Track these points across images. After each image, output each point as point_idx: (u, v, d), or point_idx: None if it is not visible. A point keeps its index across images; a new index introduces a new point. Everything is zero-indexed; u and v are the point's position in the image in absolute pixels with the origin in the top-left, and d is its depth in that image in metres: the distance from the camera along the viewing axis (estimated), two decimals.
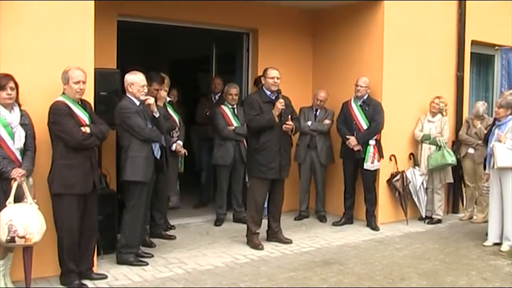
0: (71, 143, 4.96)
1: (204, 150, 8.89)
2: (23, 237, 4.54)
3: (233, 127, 7.67)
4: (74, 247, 5.11)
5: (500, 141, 6.67)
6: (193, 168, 8.90)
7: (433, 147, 7.96)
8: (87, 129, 5.07)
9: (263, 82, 6.65)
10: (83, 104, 5.20)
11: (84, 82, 5.08)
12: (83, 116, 5.13)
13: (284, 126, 6.53)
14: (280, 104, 6.46)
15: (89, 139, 5.06)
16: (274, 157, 6.50)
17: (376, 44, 7.94)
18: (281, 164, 6.57)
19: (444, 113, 8.10)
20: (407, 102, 8.18)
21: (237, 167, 7.79)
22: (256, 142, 6.52)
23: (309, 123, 7.99)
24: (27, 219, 4.59)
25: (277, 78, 6.55)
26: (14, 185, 4.64)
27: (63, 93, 5.08)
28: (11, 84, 4.75)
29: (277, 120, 6.47)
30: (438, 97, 8.08)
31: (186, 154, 7.45)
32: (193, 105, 9.02)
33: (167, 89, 7.08)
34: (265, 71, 6.64)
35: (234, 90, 7.82)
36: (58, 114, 4.96)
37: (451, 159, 7.83)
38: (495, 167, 6.64)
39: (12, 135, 4.76)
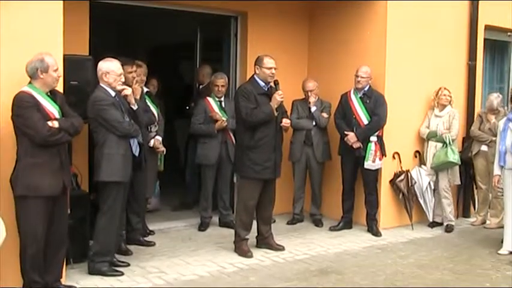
0: (36, 139, 4.86)
1: (189, 146, 8.85)
2: None
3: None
4: (38, 256, 5.02)
5: None
6: (177, 167, 8.85)
7: (440, 145, 7.93)
8: (55, 124, 4.97)
9: (257, 72, 6.57)
10: (53, 94, 5.11)
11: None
12: (52, 109, 5.03)
13: (283, 123, 6.58)
14: (279, 96, 6.44)
15: (57, 135, 4.95)
16: (269, 155, 6.48)
17: (379, 30, 7.90)
18: (276, 163, 6.56)
19: (452, 105, 8.06)
20: (412, 95, 8.16)
21: (224, 166, 7.73)
22: (251, 138, 6.45)
23: (313, 108, 7.89)
24: None
25: (275, 69, 6.52)
26: None
27: (30, 82, 4.98)
28: None
29: (275, 113, 6.45)
30: (444, 88, 8.05)
31: (164, 152, 7.38)
32: (178, 96, 8.97)
33: (144, 78, 7.01)
34: (260, 59, 6.57)
35: (220, 80, 7.73)
36: (22, 106, 4.86)
37: (453, 157, 7.77)
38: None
39: None
